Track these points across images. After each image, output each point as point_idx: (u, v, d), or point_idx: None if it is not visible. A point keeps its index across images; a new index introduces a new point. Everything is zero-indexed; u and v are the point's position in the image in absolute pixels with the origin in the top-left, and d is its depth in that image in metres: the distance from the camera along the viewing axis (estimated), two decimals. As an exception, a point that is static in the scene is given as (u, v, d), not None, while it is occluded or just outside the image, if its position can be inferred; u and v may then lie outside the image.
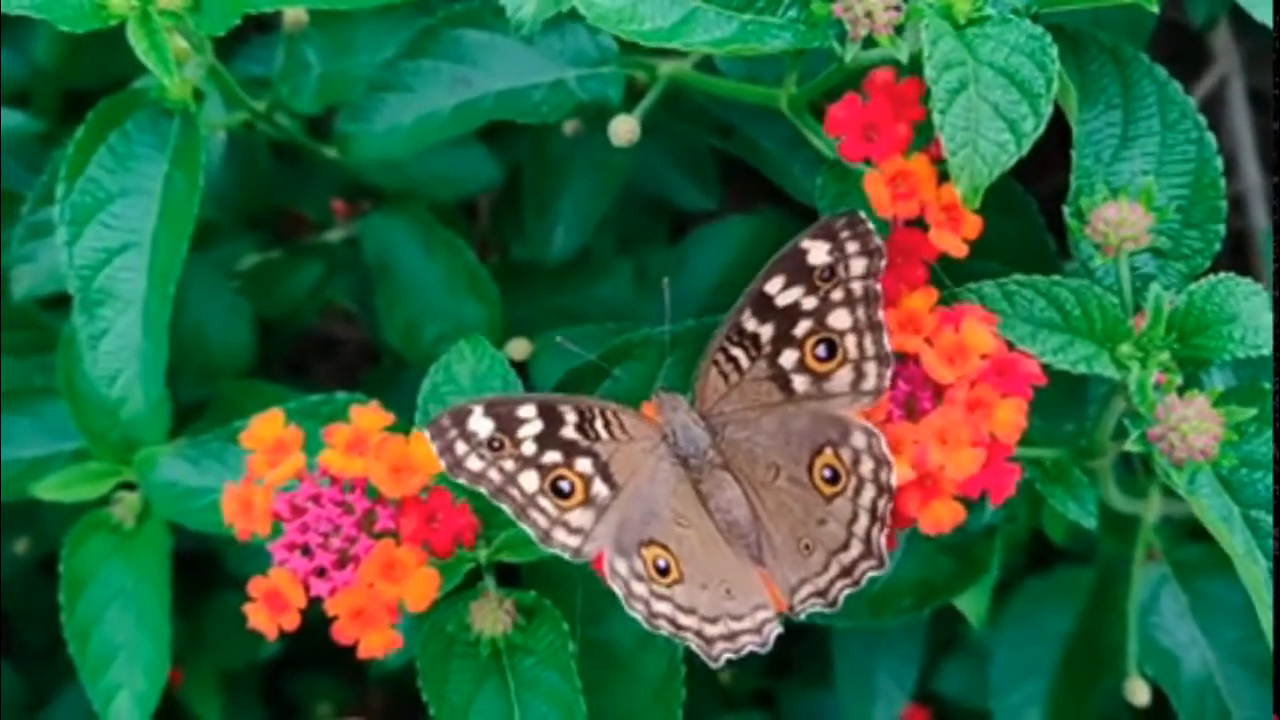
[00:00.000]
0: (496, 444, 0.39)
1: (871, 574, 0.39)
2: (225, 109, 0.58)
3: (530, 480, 0.39)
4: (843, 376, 0.39)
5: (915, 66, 0.38)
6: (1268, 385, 0.41)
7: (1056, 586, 0.63)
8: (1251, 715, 0.52)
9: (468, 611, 0.44)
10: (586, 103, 0.51)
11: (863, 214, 0.38)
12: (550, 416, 0.39)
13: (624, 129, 0.48)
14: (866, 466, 0.38)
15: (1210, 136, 0.42)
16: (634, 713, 0.46)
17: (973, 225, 0.39)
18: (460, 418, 0.39)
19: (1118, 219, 0.39)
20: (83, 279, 0.50)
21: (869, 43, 0.38)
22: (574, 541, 0.39)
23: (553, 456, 0.39)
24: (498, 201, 0.70)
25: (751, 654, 0.40)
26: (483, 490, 0.39)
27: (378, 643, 0.40)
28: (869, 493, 0.38)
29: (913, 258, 0.40)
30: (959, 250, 0.39)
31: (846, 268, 0.39)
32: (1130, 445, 0.39)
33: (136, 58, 0.46)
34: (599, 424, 0.40)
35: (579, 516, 0.39)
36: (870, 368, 0.39)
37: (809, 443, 0.39)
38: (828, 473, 0.39)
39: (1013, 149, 0.36)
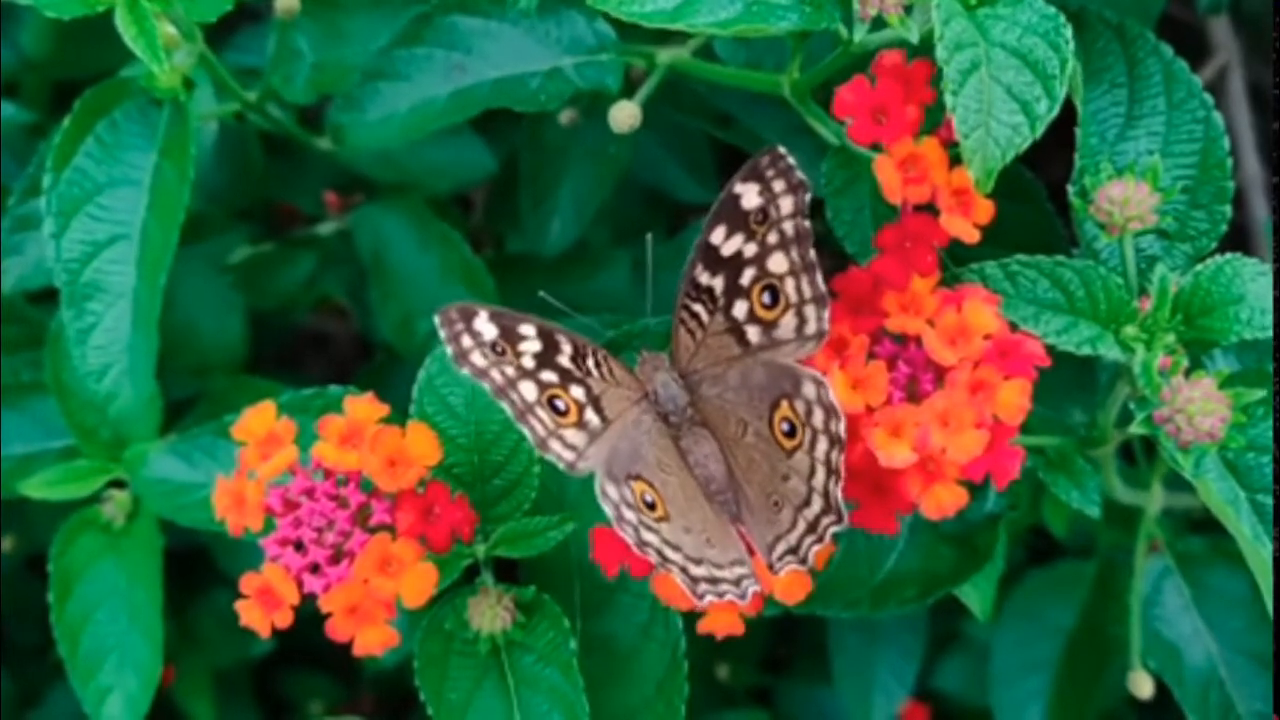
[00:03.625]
0: (499, 349, 0.39)
1: (833, 529, 0.38)
2: (216, 99, 0.57)
3: (529, 390, 0.39)
4: (788, 323, 0.38)
5: (924, 48, 0.37)
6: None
7: (1058, 580, 0.63)
8: (1256, 707, 0.52)
9: (466, 608, 0.43)
10: (584, 91, 0.50)
11: (783, 149, 0.38)
12: (548, 341, 0.39)
13: (624, 115, 0.48)
14: (818, 417, 0.38)
15: (1217, 116, 0.42)
16: (636, 708, 0.45)
17: (984, 210, 0.39)
18: (468, 314, 0.39)
19: (1123, 198, 0.39)
20: (70, 272, 0.49)
21: (877, 23, 0.38)
22: (569, 456, 0.39)
23: (549, 376, 0.39)
24: (493, 193, 0.69)
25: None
26: (485, 386, 0.39)
27: (374, 640, 0.40)
28: (822, 445, 0.38)
29: (923, 243, 0.39)
30: (970, 236, 0.38)
31: (777, 208, 0.38)
32: (1136, 428, 0.38)
33: (126, 47, 0.45)
34: (591, 362, 0.40)
35: (573, 435, 0.39)
36: (810, 311, 0.38)
37: (768, 396, 0.39)
38: (785, 426, 0.38)
39: (1026, 131, 0.36)
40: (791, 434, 0.38)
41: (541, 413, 0.39)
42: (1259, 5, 0.65)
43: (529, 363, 0.39)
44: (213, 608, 0.71)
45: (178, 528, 0.53)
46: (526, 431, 0.39)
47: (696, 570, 0.39)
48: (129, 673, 0.52)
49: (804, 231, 0.38)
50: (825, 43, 0.42)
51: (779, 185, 0.38)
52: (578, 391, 0.39)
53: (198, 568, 0.66)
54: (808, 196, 0.38)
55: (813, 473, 0.38)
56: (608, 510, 0.39)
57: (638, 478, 0.39)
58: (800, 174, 0.38)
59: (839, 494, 0.38)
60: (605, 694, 0.44)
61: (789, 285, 0.38)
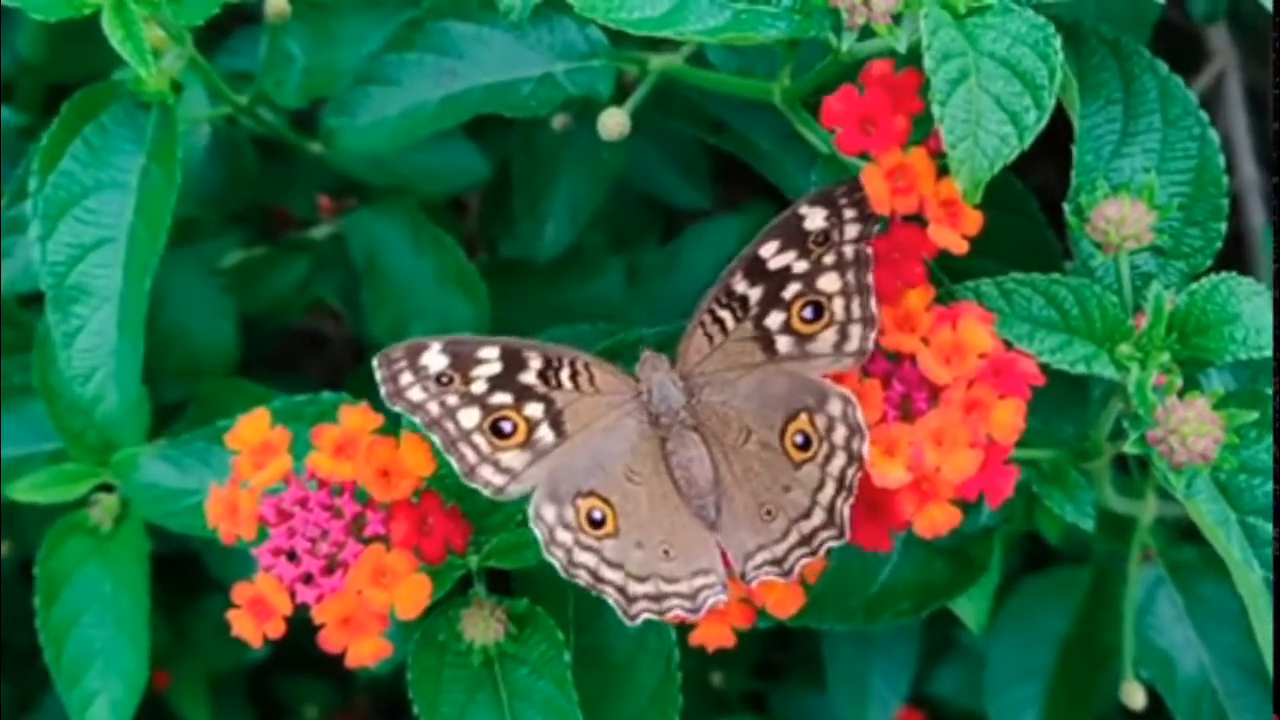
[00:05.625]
0: (445, 379, 0.39)
1: (831, 544, 0.38)
2: (209, 103, 0.57)
3: (470, 417, 0.39)
4: (827, 338, 0.39)
5: (913, 58, 0.37)
6: (1268, 390, 0.40)
7: (1052, 586, 0.63)
8: (1248, 718, 0.52)
9: (459, 620, 0.43)
10: (575, 97, 0.50)
11: (862, 182, 0.38)
12: (512, 361, 0.39)
13: (613, 123, 0.47)
14: (839, 434, 0.38)
15: (1213, 133, 0.42)
16: (629, 720, 0.45)
17: (973, 221, 0.38)
18: (414, 351, 0.39)
19: (1119, 217, 0.39)
20: (56, 275, 0.49)
21: (866, 33, 0.37)
22: (499, 480, 0.39)
23: (501, 398, 0.39)
24: (487, 198, 0.69)
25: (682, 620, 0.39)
26: (416, 419, 0.39)
27: (367, 651, 0.39)
28: (839, 461, 0.38)
29: (911, 255, 0.39)
30: (959, 247, 0.38)
31: (841, 232, 0.38)
32: (1129, 448, 0.38)
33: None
34: (565, 374, 0.40)
35: (513, 457, 0.39)
36: (855, 330, 0.38)
37: (784, 407, 0.39)
38: (800, 438, 0.38)
39: (1014, 142, 0.35)
40: (804, 447, 0.38)
41: (478, 439, 0.39)
42: (1256, 8, 0.65)
43: (480, 387, 0.39)
44: (207, 613, 0.70)
45: (173, 532, 0.53)
46: (454, 461, 0.39)
47: (637, 588, 0.39)
48: (114, 678, 0.52)
49: (865, 257, 0.38)
50: (816, 50, 0.41)
51: (849, 213, 0.38)
52: (533, 409, 0.39)
53: (193, 572, 0.66)
54: (876, 227, 0.38)
55: (820, 487, 0.38)
56: (539, 533, 0.39)
57: (589, 494, 0.39)
58: (873, 207, 0.38)
59: (847, 511, 0.38)
60: (599, 706, 0.44)
61: (837, 304, 0.38)
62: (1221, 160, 0.42)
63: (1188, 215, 0.41)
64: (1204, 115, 0.42)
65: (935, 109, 0.35)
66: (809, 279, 0.39)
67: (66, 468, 0.55)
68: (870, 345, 0.38)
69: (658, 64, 0.50)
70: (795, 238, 0.39)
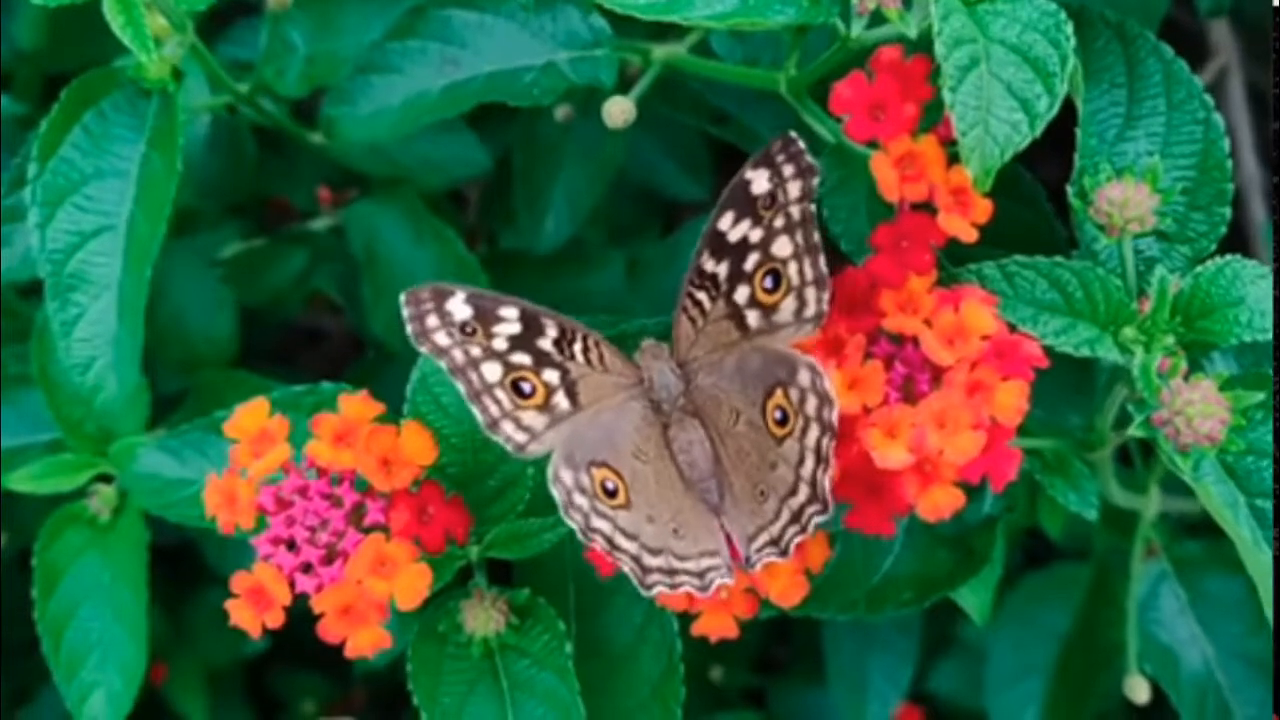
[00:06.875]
0: (469, 329, 0.39)
1: (818, 519, 0.38)
2: (210, 92, 0.57)
3: (493, 371, 0.39)
4: (788, 306, 0.38)
5: (922, 44, 0.37)
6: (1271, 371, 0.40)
7: (1054, 583, 0.63)
8: (1252, 713, 0.51)
9: (459, 611, 0.43)
10: (578, 86, 0.50)
11: (795, 134, 0.38)
12: (530, 324, 0.39)
13: (618, 110, 0.47)
14: (811, 405, 0.37)
15: (1218, 117, 0.41)
16: (631, 711, 0.45)
17: (983, 209, 0.38)
18: (441, 295, 0.39)
19: (1122, 199, 0.38)
20: (55, 263, 0.49)
21: (876, 19, 0.37)
22: (521, 437, 0.39)
23: (521, 358, 0.39)
24: (488, 190, 0.69)
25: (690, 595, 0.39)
26: (441, 364, 0.39)
27: (366, 641, 0.39)
28: (814, 433, 0.38)
29: (920, 243, 0.39)
30: (969, 235, 0.38)
31: (785, 192, 0.38)
32: (1134, 430, 0.38)
33: (119, 40, 0.44)
34: (578, 346, 0.40)
35: (532, 417, 0.39)
36: (810, 293, 0.38)
37: (762, 384, 0.39)
38: (778, 414, 0.38)
39: (1026, 129, 0.35)
40: (784, 422, 0.38)
41: (500, 394, 0.39)
42: (1259, 7, 0.65)
43: (501, 344, 0.39)
44: (206, 605, 0.70)
45: (170, 523, 0.52)
46: (477, 411, 0.39)
47: (651, 560, 0.39)
48: (112, 670, 0.52)
49: (809, 215, 0.38)
50: (822, 38, 0.41)
51: (788, 170, 0.38)
52: (550, 375, 0.39)
53: (191, 564, 0.65)
54: (816, 181, 0.38)
55: (801, 460, 0.38)
56: (557, 495, 0.39)
57: (602, 465, 0.39)
58: (810, 159, 0.38)
59: (827, 483, 0.38)
60: (601, 698, 0.44)
61: (791, 268, 0.38)
62: (1226, 144, 0.42)
63: (1192, 199, 0.41)
64: (1209, 100, 0.42)
65: (946, 96, 0.35)
66: (764, 246, 0.38)
67: (65, 458, 0.55)
68: (826, 307, 0.38)
69: (661, 54, 0.50)
70: (745, 205, 0.38)
